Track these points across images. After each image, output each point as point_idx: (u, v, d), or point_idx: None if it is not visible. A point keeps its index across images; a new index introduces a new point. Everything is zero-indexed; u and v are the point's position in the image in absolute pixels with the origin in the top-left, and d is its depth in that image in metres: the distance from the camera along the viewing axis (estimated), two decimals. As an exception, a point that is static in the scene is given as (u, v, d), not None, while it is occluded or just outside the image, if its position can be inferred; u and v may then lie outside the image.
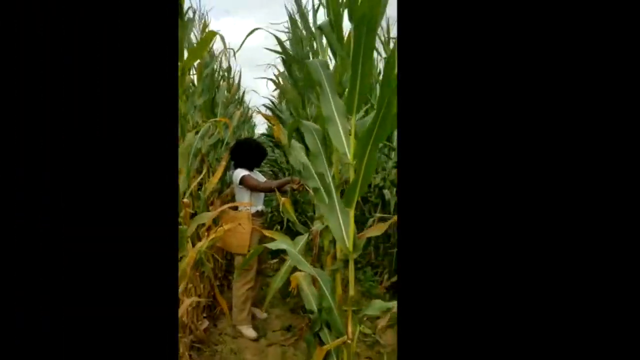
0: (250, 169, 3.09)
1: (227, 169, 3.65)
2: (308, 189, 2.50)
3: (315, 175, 1.63)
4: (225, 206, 2.34)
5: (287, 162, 5.01)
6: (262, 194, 3.12)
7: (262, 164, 3.25)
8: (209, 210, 3.12)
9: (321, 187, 1.59)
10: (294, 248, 1.97)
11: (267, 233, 2.03)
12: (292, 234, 3.54)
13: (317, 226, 2.07)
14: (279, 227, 2.96)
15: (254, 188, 2.97)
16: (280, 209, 2.25)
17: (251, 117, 5.96)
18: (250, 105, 6.27)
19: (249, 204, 2.88)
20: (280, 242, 1.63)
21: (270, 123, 3.21)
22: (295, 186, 2.91)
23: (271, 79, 3.24)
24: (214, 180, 2.94)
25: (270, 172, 5.14)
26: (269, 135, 5.55)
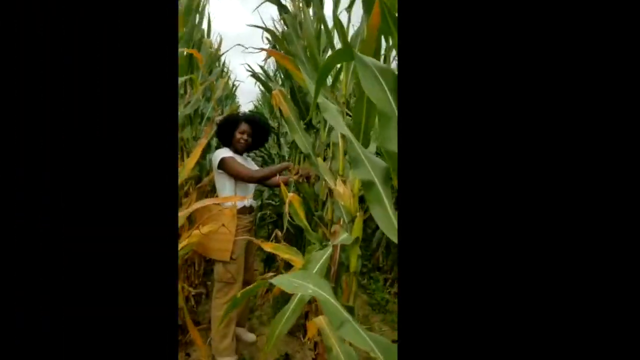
0: (239, 151, 2.35)
1: (206, 150, 2.89)
2: (323, 179, 1.79)
3: (365, 160, 0.92)
4: (208, 202, 1.59)
5: (279, 145, 4.28)
6: (251, 185, 2.38)
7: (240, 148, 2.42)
8: (181, 204, 2.38)
9: (377, 180, 0.89)
10: (309, 266, 1.27)
11: (268, 247, 1.32)
12: (292, 241, 2.83)
13: (342, 238, 1.36)
14: (276, 231, 2.20)
15: (236, 175, 2.23)
16: (287, 210, 1.53)
17: (234, 91, 5.15)
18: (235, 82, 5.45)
19: (239, 198, 2.13)
20: (300, 277, 0.92)
21: (275, 60, 2.40)
22: (294, 177, 2.19)
23: (267, 30, 2.46)
24: (190, 163, 2.18)
25: (259, 160, 4.36)
26: (256, 113, 4.78)
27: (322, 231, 2.00)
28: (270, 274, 2.14)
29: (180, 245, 1.65)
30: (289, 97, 1.82)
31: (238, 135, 2.36)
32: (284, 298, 2.47)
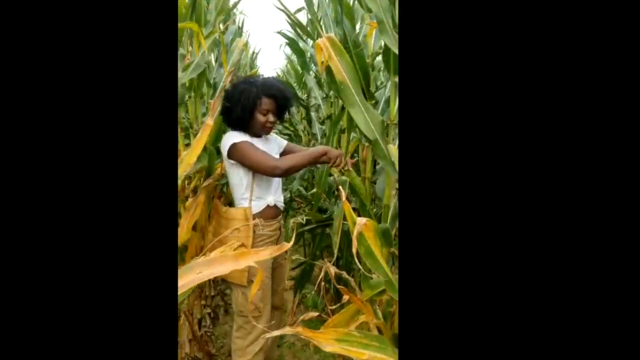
0: (251, 124, 1.63)
1: (221, 131, 2.21)
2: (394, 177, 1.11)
3: None
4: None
5: (309, 121, 3.57)
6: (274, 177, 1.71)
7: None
8: (183, 208, 1.72)
9: None
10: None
11: (331, 345, 0.66)
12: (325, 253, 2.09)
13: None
14: (325, 265, 1.44)
15: (254, 167, 1.56)
16: (355, 247, 0.84)
17: (255, 57, 4.43)
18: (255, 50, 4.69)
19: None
20: None
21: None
22: (347, 166, 1.49)
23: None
24: (194, 152, 1.52)
25: (285, 138, 3.64)
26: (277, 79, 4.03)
27: (387, 251, 1.32)
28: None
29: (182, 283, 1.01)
30: (344, 49, 1.12)
31: (261, 118, 1.63)
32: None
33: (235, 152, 1.56)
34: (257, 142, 1.63)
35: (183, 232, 1.55)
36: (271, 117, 1.64)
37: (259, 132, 1.67)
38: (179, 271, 0.68)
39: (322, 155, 1.55)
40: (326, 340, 0.73)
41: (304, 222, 2.00)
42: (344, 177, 1.36)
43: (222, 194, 2.24)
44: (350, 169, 1.48)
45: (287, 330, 0.74)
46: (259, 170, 1.57)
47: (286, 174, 1.63)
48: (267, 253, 0.70)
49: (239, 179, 1.62)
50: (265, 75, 1.87)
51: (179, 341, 1.93)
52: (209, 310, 2.34)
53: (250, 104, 1.58)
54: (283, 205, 1.79)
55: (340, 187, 1.10)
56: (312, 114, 3.34)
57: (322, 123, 3.21)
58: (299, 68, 3.54)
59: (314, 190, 2.61)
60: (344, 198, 0.96)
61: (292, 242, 0.77)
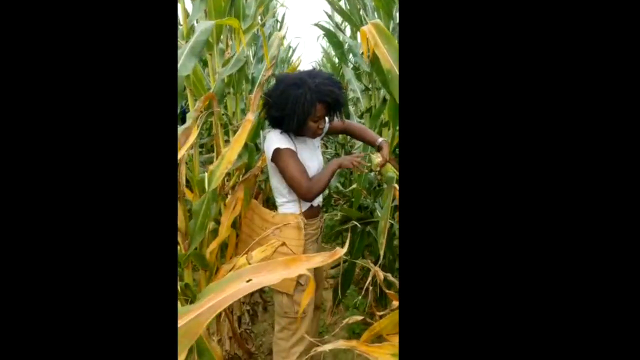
0: (301, 131, 1.52)
1: (260, 127, 2.17)
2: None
3: None
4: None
5: (347, 116, 3.48)
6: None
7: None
8: (223, 205, 1.69)
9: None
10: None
11: None
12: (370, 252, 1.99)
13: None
14: (377, 272, 1.34)
15: (289, 183, 1.52)
16: None
17: (292, 51, 4.38)
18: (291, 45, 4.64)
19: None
20: None
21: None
22: (358, 166, 1.42)
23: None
24: (235, 148, 1.49)
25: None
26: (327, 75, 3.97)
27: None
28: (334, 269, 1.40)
29: (228, 293, 0.97)
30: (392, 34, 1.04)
31: (313, 126, 1.52)
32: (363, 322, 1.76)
33: (277, 158, 1.50)
34: (300, 143, 1.56)
35: (224, 230, 1.53)
36: (322, 124, 1.55)
37: (309, 137, 1.59)
38: (224, 280, 0.64)
39: (338, 168, 1.53)
40: (382, 355, 0.66)
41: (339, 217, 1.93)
42: (390, 174, 1.29)
43: (260, 190, 2.21)
44: (378, 164, 1.40)
45: (340, 344, 0.69)
46: (291, 188, 1.52)
47: (318, 195, 1.57)
48: (319, 260, 0.64)
49: (281, 181, 1.56)
50: (305, 69, 1.78)
51: (220, 338, 1.92)
52: (247, 308, 2.33)
53: (305, 112, 1.44)
54: (322, 202, 1.74)
55: (395, 186, 1.03)
56: (350, 107, 3.25)
57: (361, 117, 3.12)
58: (336, 60, 3.46)
59: (353, 186, 2.53)
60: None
61: (345, 248, 0.70)
